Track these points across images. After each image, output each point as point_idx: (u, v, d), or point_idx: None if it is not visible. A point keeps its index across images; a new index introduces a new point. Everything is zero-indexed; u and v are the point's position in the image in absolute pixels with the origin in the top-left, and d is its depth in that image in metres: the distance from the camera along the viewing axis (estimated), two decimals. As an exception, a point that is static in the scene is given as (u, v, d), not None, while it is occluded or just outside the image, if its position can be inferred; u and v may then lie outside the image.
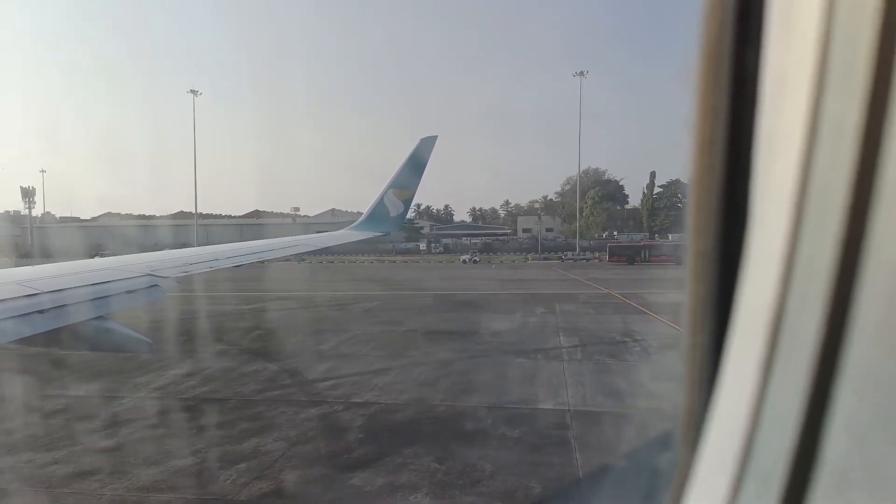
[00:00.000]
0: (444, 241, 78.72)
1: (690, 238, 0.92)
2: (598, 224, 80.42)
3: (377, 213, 14.18)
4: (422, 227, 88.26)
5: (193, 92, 71.87)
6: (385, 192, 14.14)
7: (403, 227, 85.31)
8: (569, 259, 62.44)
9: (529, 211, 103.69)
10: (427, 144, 14.21)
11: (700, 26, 0.85)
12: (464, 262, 59.01)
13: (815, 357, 0.70)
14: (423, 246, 75.44)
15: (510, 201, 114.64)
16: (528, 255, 66.66)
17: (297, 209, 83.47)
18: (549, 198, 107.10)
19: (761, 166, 0.81)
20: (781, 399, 0.75)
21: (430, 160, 14.25)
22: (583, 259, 62.54)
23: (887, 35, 0.62)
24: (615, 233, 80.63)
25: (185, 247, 10.20)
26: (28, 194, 72.30)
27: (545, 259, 64.09)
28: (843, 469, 0.69)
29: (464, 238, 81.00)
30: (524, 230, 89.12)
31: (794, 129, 0.71)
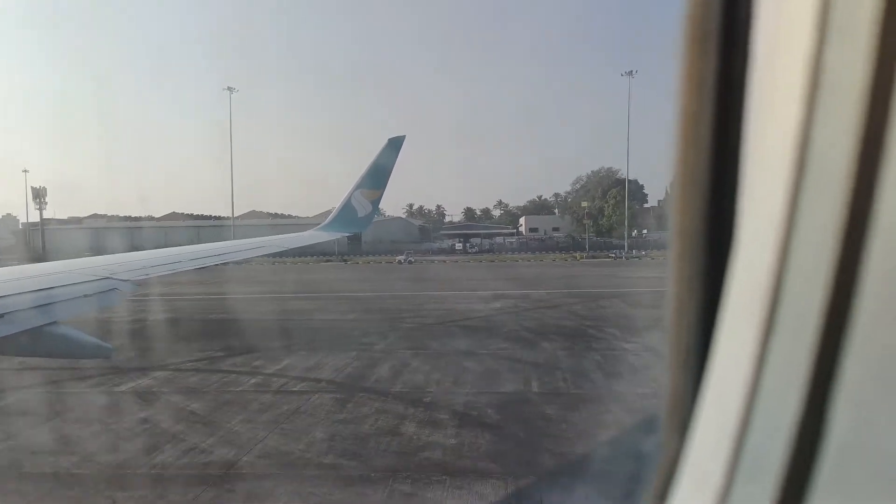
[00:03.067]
0: (472, 240, 77.93)
1: (675, 214, 0.88)
2: (622, 222, 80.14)
3: (345, 214, 14.01)
4: (436, 231, 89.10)
5: (230, 89, 68.19)
6: (353, 193, 13.97)
7: (424, 230, 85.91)
8: (620, 258, 59.54)
9: (525, 211, 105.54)
10: (394, 144, 14.09)
11: None
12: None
13: (816, 336, 0.66)
14: (458, 245, 74.89)
15: (503, 201, 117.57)
16: (577, 254, 64.05)
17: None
18: (543, 197, 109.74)
19: (752, 136, 0.77)
20: (779, 381, 0.71)
21: (405, 161, 14.13)
22: (635, 258, 59.54)
23: None
24: (644, 231, 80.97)
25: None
26: (40, 195, 67.24)
27: (593, 257, 61.10)
28: (845, 455, 0.65)
29: (497, 238, 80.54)
30: (531, 229, 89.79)
31: (789, 94, 0.67)
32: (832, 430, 0.65)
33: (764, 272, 0.71)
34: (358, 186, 14.01)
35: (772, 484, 0.71)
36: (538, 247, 74.97)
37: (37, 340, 4.93)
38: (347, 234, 14.24)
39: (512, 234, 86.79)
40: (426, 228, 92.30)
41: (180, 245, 9.66)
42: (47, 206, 67.45)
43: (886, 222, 0.59)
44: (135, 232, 71.46)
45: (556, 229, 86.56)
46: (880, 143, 0.59)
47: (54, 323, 5.05)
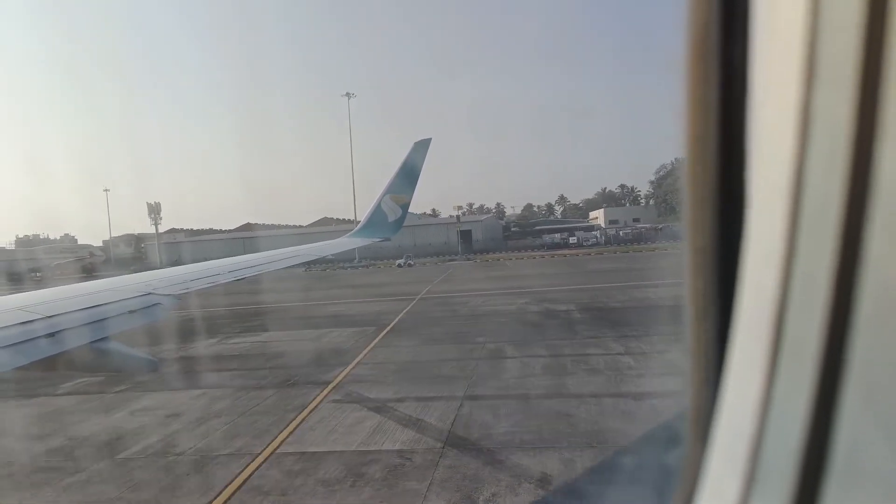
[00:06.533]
0: (576, 233, 77.37)
1: (688, 233, 0.90)
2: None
3: (375, 219, 14.13)
4: (519, 227, 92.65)
5: (349, 95, 70.86)
6: (382, 198, 14.08)
7: (506, 227, 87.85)
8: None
9: (591, 204, 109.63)
10: (421, 148, 14.16)
11: (686, 18, 0.83)
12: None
13: (820, 350, 0.68)
14: (573, 240, 73.96)
15: (565, 197, 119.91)
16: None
17: (460, 207, 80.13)
18: (607, 189, 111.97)
19: (755, 159, 0.79)
20: (789, 393, 0.73)
21: (426, 163, 14.20)
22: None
23: (875, 24, 0.60)
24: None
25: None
26: (154, 210, 71.18)
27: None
28: (856, 461, 0.67)
29: (618, 231, 79.70)
30: (611, 221, 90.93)
31: (785, 121, 0.69)
32: (839, 440, 0.67)
33: (769, 294, 0.73)
34: (387, 191, 14.11)
35: (785, 493, 0.73)
36: (652, 237, 72.31)
37: (89, 356, 5.17)
38: (378, 239, 14.36)
39: (593, 228, 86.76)
40: (509, 225, 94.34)
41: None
42: (162, 222, 70.68)
43: (879, 246, 0.62)
44: (210, 244, 74.46)
45: (636, 220, 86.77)
46: (869, 172, 0.61)
47: (105, 339, 5.29)
